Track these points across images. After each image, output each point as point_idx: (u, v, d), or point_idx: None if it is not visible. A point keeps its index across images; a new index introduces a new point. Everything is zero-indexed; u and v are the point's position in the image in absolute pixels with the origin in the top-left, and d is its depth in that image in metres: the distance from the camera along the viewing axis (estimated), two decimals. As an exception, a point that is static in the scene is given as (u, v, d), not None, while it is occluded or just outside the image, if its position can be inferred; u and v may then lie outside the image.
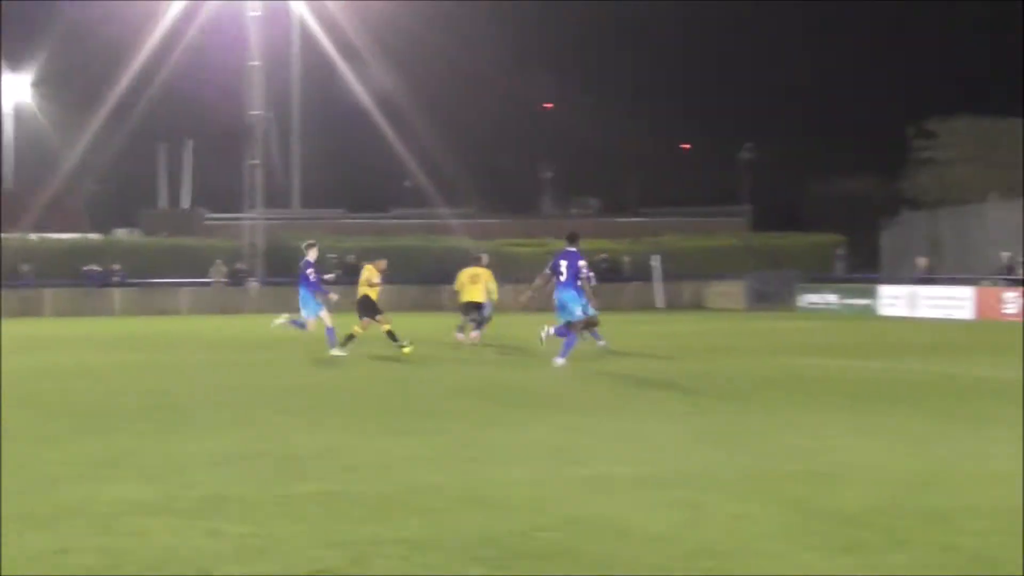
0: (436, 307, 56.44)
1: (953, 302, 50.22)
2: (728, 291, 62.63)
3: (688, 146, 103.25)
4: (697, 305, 63.15)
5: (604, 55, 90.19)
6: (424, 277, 59.31)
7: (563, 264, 24.06)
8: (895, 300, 54.05)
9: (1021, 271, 52.37)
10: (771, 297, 61.32)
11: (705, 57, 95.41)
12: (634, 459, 11.45)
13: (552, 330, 24.05)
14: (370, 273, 27.60)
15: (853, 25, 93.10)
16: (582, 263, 24.02)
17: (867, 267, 65.90)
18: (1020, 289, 50.01)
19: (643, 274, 64.23)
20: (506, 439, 12.90)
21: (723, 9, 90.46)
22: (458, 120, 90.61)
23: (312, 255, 27.36)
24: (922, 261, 57.37)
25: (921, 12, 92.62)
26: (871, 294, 56.06)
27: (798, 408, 15.99)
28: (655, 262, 64.00)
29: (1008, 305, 48.73)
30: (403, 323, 43.78)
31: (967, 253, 59.89)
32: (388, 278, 28.73)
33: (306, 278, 27.25)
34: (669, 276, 64.00)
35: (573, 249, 24.26)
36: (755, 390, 18.63)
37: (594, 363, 24.29)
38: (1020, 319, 46.94)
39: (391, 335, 27.04)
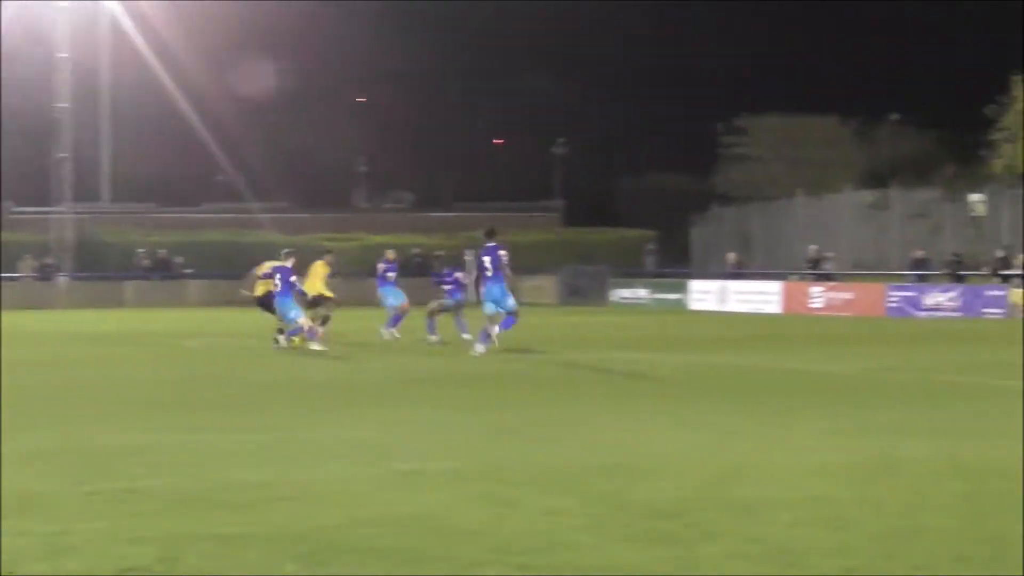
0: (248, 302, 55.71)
1: (762, 296, 51.22)
2: (541, 286, 63.02)
3: (502, 141, 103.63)
4: (511, 300, 63.33)
5: (418, 48, 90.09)
6: (235, 272, 58.60)
7: (487, 260, 25.04)
8: (705, 295, 54.91)
9: (828, 265, 53.59)
10: (583, 292, 61.86)
11: (519, 52, 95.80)
12: (447, 454, 11.48)
13: (498, 328, 24.93)
14: (322, 269, 28.83)
15: (665, 21, 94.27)
16: (503, 252, 25.08)
17: (678, 262, 66.83)
18: (826, 284, 51.18)
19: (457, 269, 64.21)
20: (323, 435, 12.85)
21: (536, 2, 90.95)
22: (271, 114, 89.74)
23: (290, 263, 27.92)
24: (732, 256, 58.37)
25: (733, 11, 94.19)
26: (682, 289, 56.89)
27: (609, 401, 16.17)
28: (468, 256, 64.12)
29: (814, 299, 49.84)
30: (220, 318, 43.31)
31: (776, 248, 61.13)
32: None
33: (289, 285, 27.53)
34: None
35: (493, 243, 25.26)
36: (567, 384, 18.79)
37: (412, 357, 24.30)
38: (826, 313, 48.03)
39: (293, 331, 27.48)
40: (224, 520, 8.54)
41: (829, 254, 54.72)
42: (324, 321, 28.88)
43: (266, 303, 28.34)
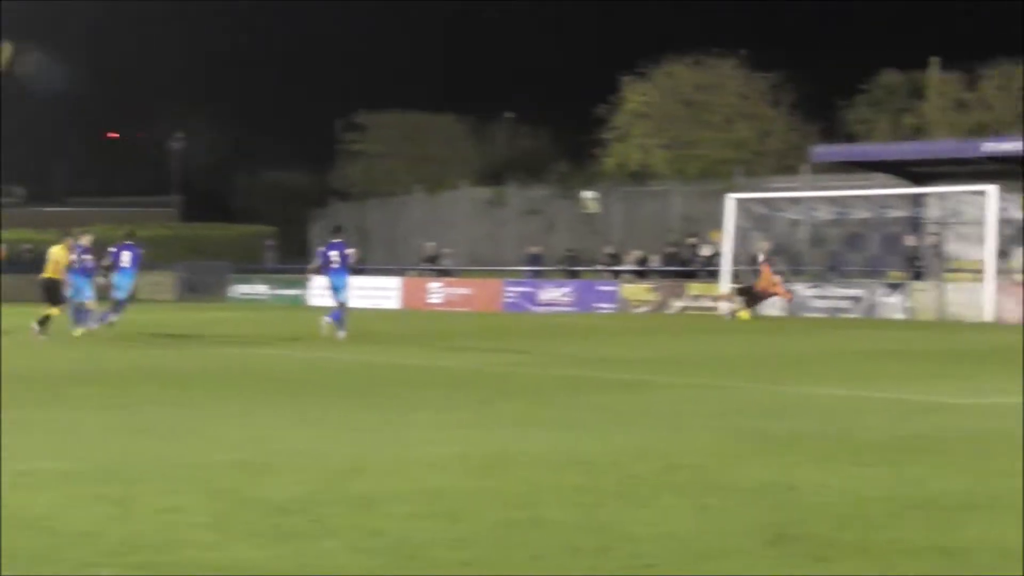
0: None
1: (381, 292, 51.55)
2: (159, 281, 61.88)
3: (116, 135, 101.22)
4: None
5: (28, 39, 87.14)
6: None
7: (334, 253, 29.30)
8: (324, 290, 54.89)
9: (446, 261, 54.33)
10: (202, 287, 61.07)
11: (134, 44, 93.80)
12: (62, 454, 11.16)
13: (329, 318, 28.88)
14: (60, 255, 28.91)
15: (278, 21, 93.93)
16: (349, 251, 29.66)
17: (298, 257, 66.68)
18: (444, 279, 51.92)
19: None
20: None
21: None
22: None
23: (86, 240, 29.21)
24: (351, 252, 58.53)
25: (355, 11, 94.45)
26: (301, 284, 56.76)
27: (228, 398, 16.01)
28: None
29: (433, 295, 50.50)
30: None
31: (394, 244, 61.66)
32: None
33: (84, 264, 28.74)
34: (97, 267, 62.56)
35: (340, 240, 29.88)
36: (188, 380, 18.52)
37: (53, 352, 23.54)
38: (444, 308, 48.72)
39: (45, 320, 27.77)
40: None
41: (447, 250, 55.52)
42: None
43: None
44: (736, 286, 40.53)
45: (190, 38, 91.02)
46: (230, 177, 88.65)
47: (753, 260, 41.33)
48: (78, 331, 28.99)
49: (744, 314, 38.68)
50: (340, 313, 28.92)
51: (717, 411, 14.68)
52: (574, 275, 49.94)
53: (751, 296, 39.35)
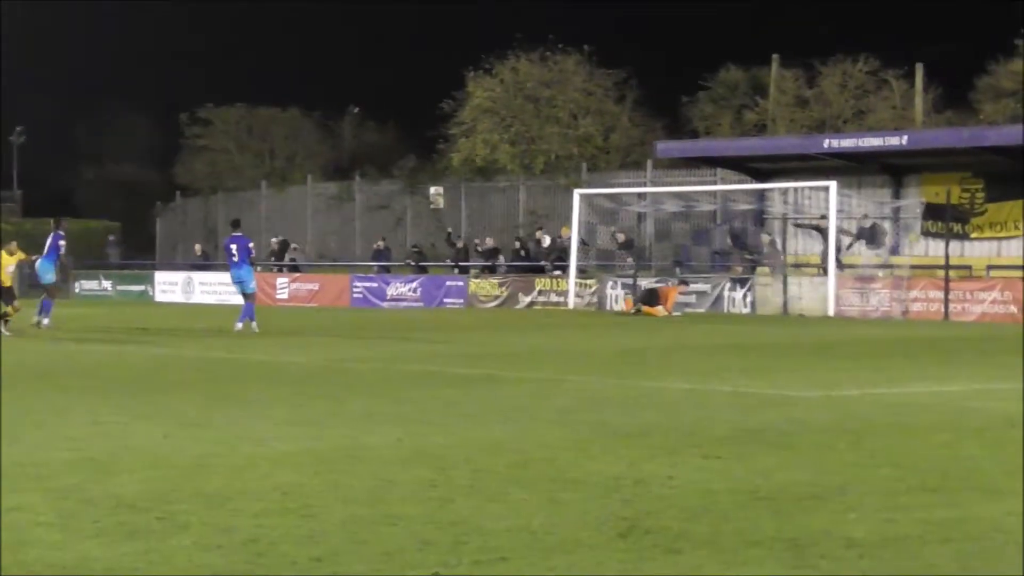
0: None
1: (229, 288, 50.86)
2: None
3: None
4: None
5: None
6: None
7: (234, 247, 29.95)
8: (171, 286, 54.36)
9: (293, 256, 53.96)
10: (44, 283, 59.87)
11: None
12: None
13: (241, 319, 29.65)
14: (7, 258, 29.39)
15: (121, 12, 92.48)
16: (251, 244, 30.61)
17: (143, 253, 65.82)
18: (291, 275, 51.59)
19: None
20: None
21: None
22: None
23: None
24: (197, 247, 57.94)
25: (200, 3, 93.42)
26: (147, 280, 56.13)
27: (71, 394, 15.76)
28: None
29: (280, 290, 50.16)
30: None
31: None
32: None
33: None
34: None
35: (239, 234, 30.55)
36: (29, 377, 18.18)
37: None
38: (291, 304, 48.40)
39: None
40: None
41: (294, 245, 55.16)
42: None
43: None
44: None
45: (31, 26, 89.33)
46: (73, 172, 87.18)
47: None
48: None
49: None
50: (251, 306, 30.17)
51: (566, 406, 14.75)
52: (422, 270, 49.90)
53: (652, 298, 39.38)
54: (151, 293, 54.75)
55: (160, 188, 72.83)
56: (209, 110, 71.67)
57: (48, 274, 31.59)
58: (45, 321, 30.79)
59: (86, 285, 58.15)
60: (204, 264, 55.97)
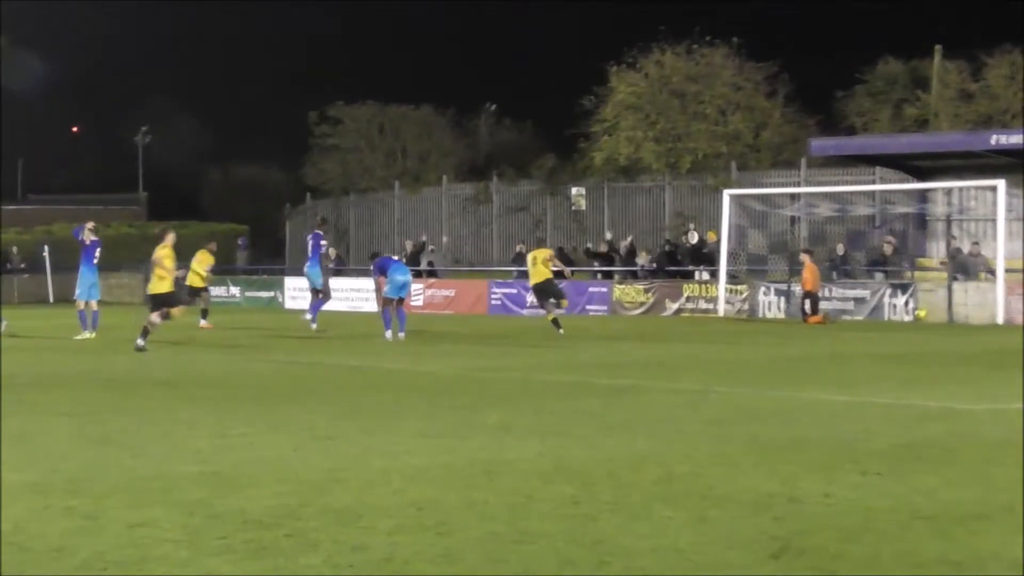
0: None
1: (360, 294, 51.32)
2: (126, 284, 61.75)
3: (77, 129, 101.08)
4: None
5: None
6: None
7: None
8: (302, 292, 54.75)
9: (429, 261, 54.23)
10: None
11: (95, 39, 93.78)
12: (27, 464, 11.11)
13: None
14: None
15: (249, 10, 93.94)
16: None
17: (272, 258, 66.54)
18: (427, 280, 51.84)
19: (37, 265, 62.39)
20: None
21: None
22: None
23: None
24: (332, 251, 58.42)
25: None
26: (277, 286, 56.69)
27: (196, 405, 15.94)
28: (46, 252, 62.27)
29: (415, 297, 50.37)
30: None
31: (373, 243, 61.50)
32: None
33: None
34: (61, 268, 62.42)
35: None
36: (153, 388, 18.44)
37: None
38: (427, 311, 48.63)
39: None
40: None
41: (431, 247, 55.42)
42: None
43: None
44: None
45: (156, 29, 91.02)
46: (199, 173, 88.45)
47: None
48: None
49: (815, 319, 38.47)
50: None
51: (715, 418, 14.67)
52: (563, 276, 49.75)
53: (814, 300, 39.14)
54: (280, 299, 55.31)
55: (289, 189, 73.60)
56: (339, 108, 72.21)
57: (318, 278, 34.03)
58: (313, 325, 33.45)
59: (213, 291, 58.84)
60: (337, 268, 56.47)
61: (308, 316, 34.14)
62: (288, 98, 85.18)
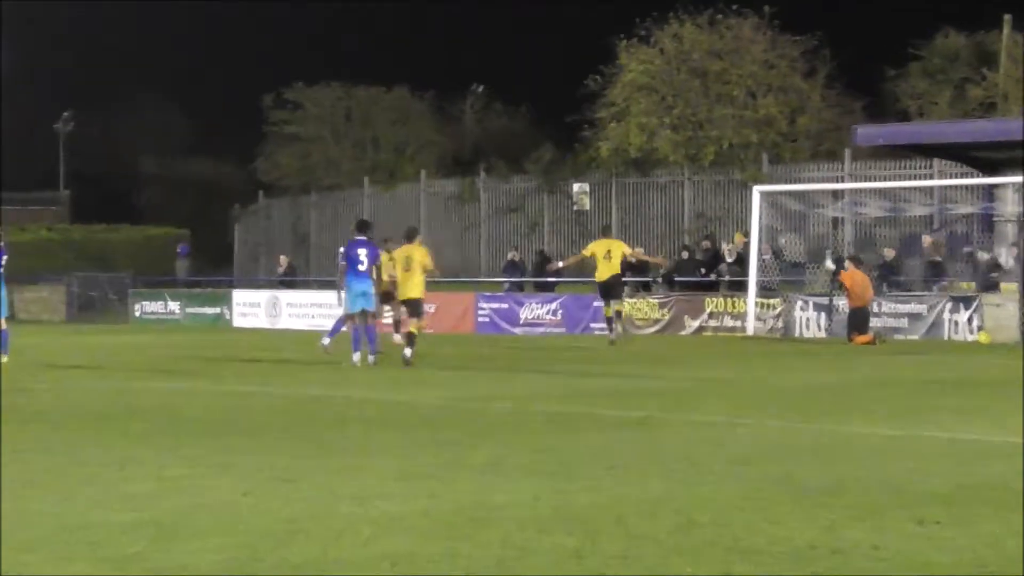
0: None
1: (321, 310, 51.23)
2: (44, 298, 61.79)
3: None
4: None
5: None
6: None
7: (362, 252, 30.01)
8: (252, 308, 54.81)
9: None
10: (98, 305, 60.96)
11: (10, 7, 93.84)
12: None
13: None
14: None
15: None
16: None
17: (217, 267, 66.51)
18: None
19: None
20: None
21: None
22: None
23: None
24: (284, 259, 58.44)
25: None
26: (223, 301, 56.66)
27: (135, 443, 15.95)
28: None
29: (386, 314, 50.35)
30: None
31: (337, 249, 61.45)
32: None
33: None
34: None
35: (364, 237, 30.69)
36: (81, 421, 18.47)
37: None
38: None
39: None
40: None
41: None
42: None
43: None
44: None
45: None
46: (132, 167, 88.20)
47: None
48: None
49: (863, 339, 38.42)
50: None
51: (742, 455, 14.70)
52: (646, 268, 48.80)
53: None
54: (228, 316, 55.34)
55: (238, 187, 73.60)
56: (298, 90, 72.02)
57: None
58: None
59: (148, 307, 58.94)
60: (292, 280, 56.47)
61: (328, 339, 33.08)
62: (239, 78, 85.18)
